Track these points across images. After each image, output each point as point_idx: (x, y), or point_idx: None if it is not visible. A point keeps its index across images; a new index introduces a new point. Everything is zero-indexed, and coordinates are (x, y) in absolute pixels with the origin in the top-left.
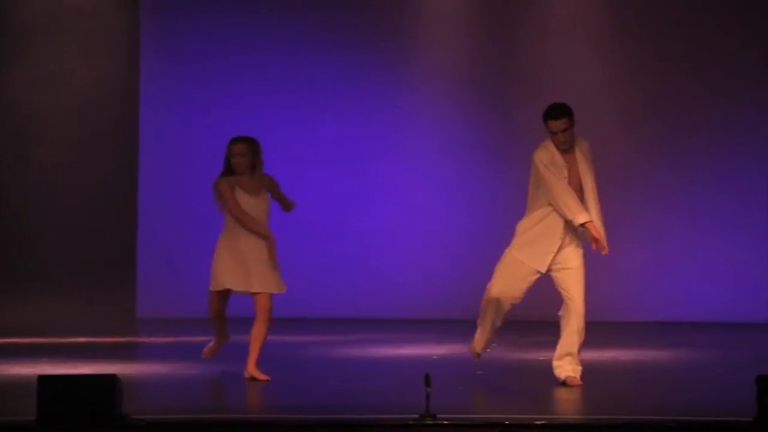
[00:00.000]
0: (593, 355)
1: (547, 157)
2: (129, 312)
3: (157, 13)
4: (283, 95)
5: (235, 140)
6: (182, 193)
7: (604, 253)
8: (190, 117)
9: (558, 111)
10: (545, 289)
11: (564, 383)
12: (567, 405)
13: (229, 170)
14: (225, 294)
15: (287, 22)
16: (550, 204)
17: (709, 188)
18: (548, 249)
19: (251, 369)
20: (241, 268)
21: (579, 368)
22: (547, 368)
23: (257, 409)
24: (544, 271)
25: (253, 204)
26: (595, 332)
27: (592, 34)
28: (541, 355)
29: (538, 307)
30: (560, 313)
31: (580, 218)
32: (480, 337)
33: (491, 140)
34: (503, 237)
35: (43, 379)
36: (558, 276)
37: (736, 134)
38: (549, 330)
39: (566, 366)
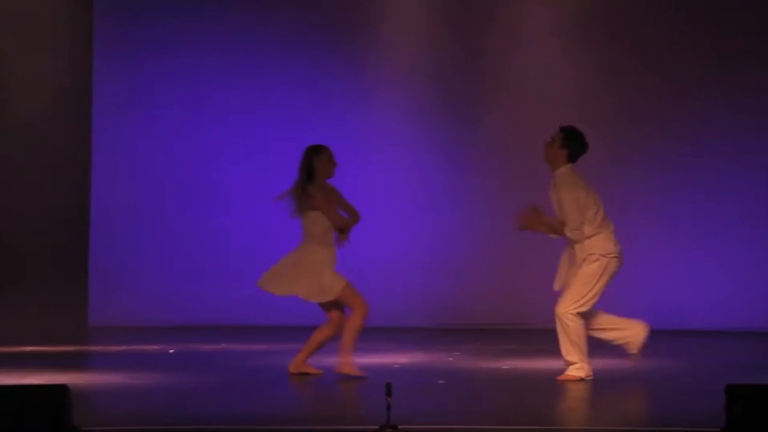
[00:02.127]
0: (562, 365)
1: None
2: (81, 320)
3: (110, 12)
4: (243, 96)
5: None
6: (136, 199)
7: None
8: (145, 120)
9: None
10: (519, 297)
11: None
12: (531, 415)
13: (311, 177)
14: None
15: (249, 20)
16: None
17: (682, 192)
18: None
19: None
20: None
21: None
22: (510, 377)
23: (212, 419)
24: None
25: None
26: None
27: (560, 35)
28: (504, 364)
29: (508, 315)
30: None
31: None
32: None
33: (458, 142)
34: (470, 242)
35: None
36: None
37: (709, 133)
38: (514, 338)
39: None
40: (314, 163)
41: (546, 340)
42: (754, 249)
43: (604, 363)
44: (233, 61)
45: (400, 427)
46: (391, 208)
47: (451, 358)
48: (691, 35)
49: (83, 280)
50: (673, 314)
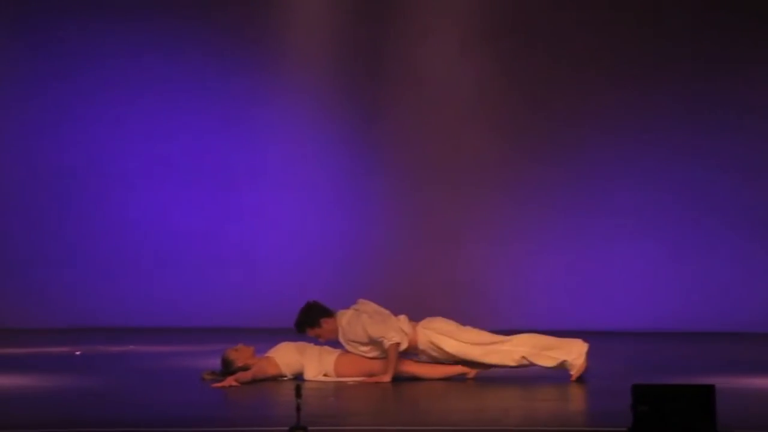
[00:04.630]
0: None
1: None
2: None
3: None
4: (140, 102)
5: None
6: (25, 195)
7: None
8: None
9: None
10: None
11: None
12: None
13: None
14: None
15: (155, 24)
16: None
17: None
18: None
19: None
20: None
21: None
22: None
23: (125, 422)
24: None
25: None
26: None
27: (461, 34)
28: None
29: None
30: None
31: None
32: None
33: (361, 140)
34: (359, 239)
35: None
36: None
37: (622, 127)
38: None
39: None
40: None
41: None
42: (649, 250)
43: None
44: (137, 63)
45: (310, 428)
46: (296, 214)
47: None
48: (596, 27)
49: None
50: (573, 315)
